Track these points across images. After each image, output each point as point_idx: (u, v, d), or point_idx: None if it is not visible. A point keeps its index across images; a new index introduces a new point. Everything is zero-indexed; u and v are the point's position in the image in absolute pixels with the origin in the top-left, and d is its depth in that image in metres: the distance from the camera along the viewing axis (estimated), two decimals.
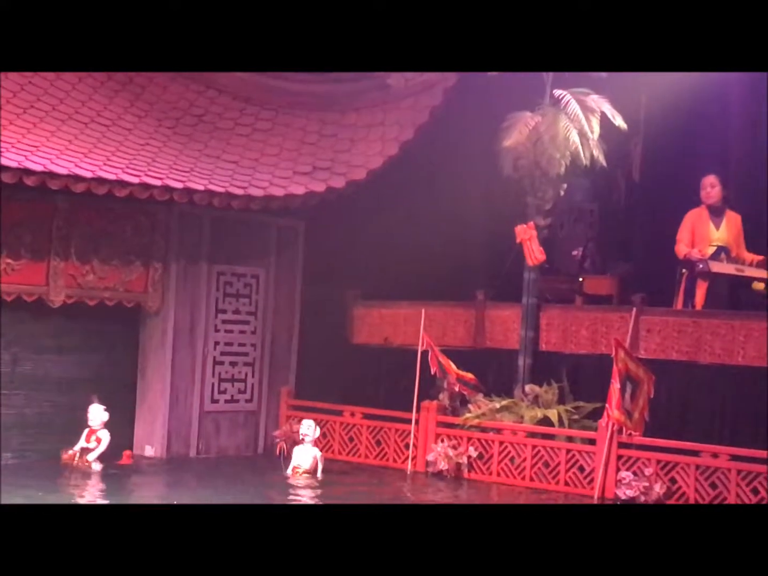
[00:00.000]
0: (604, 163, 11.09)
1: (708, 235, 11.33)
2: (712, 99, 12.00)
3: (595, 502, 9.81)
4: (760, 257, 11.20)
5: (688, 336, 10.56)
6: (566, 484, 10.29)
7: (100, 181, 10.14)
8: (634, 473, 9.76)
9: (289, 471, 10.58)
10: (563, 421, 10.60)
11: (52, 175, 9.81)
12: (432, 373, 11.31)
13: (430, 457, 11.00)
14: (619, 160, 12.62)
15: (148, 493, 9.76)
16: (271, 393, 12.22)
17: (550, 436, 10.57)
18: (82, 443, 10.47)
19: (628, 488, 9.65)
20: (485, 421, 10.96)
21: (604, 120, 10.86)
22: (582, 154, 10.86)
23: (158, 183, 10.52)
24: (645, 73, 8.81)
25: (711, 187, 11.33)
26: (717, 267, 10.97)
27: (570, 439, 10.47)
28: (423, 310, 11.71)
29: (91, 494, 9.38)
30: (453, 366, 11.29)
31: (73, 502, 8.80)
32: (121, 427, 11.21)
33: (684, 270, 11.30)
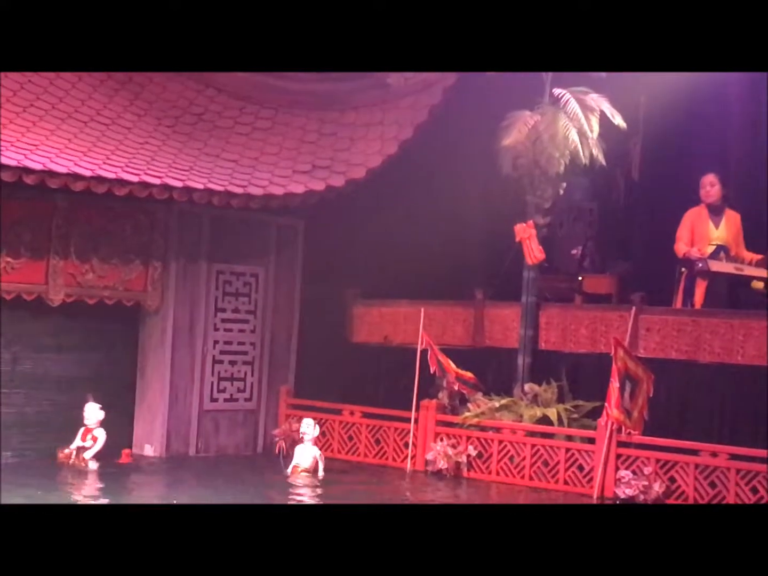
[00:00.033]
0: (604, 162, 11.10)
1: (707, 234, 11.34)
2: (712, 98, 12.00)
3: (595, 501, 9.82)
4: (760, 256, 11.21)
5: (687, 335, 10.56)
6: (565, 483, 10.30)
7: (100, 179, 10.13)
8: (634, 472, 9.77)
9: (288, 470, 10.58)
10: (562, 420, 10.61)
11: (52, 173, 9.81)
12: (431, 372, 11.31)
13: (429, 456, 11.01)
14: (618, 159, 12.61)
15: (147, 492, 9.76)
16: (270, 392, 12.22)
17: (549, 435, 10.58)
18: (78, 442, 10.47)
19: (627, 487, 9.65)
20: (484, 420, 10.97)
21: (604, 119, 10.86)
22: (581, 153, 10.87)
23: (157, 182, 10.52)
24: (644, 73, 8.80)
25: (710, 186, 11.34)
26: (716, 266, 10.97)
27: (569, 438, 10.47)
28: (422, 309, 11.71)
29: (91, 494, 9.38)
30: (452, 365, 11.30)
31: (72, 501, 8.80)
32: (121, 426, 11.23)
33: (683, 269, 11.31)
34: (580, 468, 10.24)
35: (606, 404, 9.89)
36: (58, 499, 8.63)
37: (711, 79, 10.54)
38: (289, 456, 10.86)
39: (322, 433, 11.36)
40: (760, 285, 10.93)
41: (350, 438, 11.83)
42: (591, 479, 10.09)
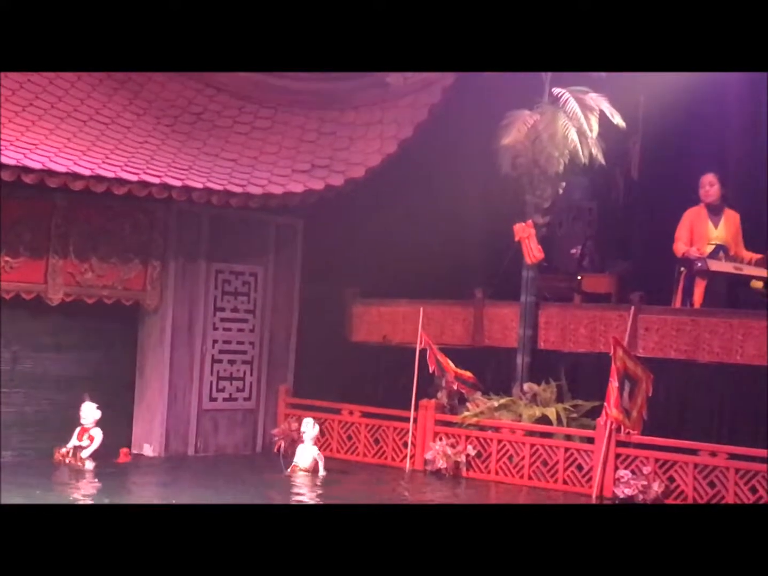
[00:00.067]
0: (603, 162, 11.10)
1: (706, 233, 11.34)
2: (711, 98, 12.00)
3: (594, 500, 9.83)
4: (759, 255, 11.22)
5: (686, 334, 10.57)
6: (565, 482, 10.30)
7: (99, 178, 10.13)
8: (633, 472, 9.77)
9: (288, 469, 10.58)
10: (561, 419, 10.61)
11: (51, 172, 9.81)
12: (430, 371, 11.31)
13: (428, 456, 11.01)
14: (617, 158, 12.62)
15: (146, 491, 9.77)
16: (269, 391, 12.22)
17: (548, 435, 10.58)
18: (74, 441, 10.46)
19: (626, 487, 9.65)
20: (484, 419, 10.96)
21: (603, 118, 10.86)
22: (581, 153, 10.87)
23: (157, 181, 10.51)
24: (644, 73, 8.80)
25: (710, 186, 11.34)
26: (715, 265, 10.97)
27: (568, 437, 10.47)
28: (421, 309, 11.71)
29: (91, 493, 9.37)
30: (451, 364, 11.30)
31: (71, 501, 8.79)
32: (120, 425, 11.23)
33: (682, 268, 11.31)
34: (579, 467, 10.24)
35: (605, 404, 9.89)
36: (58, 499, 8.63)
37: (710, 78, 10.54)
38: (288, 455, 10.86)
39: (321, 433, 11.35)
40: (759, 284, 10.93)
41: (349, 437, 11.84)
42: (590, 479, 10.09)
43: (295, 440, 11.18)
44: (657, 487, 9.54)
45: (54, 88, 11.36)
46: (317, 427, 10.88)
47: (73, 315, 10.87)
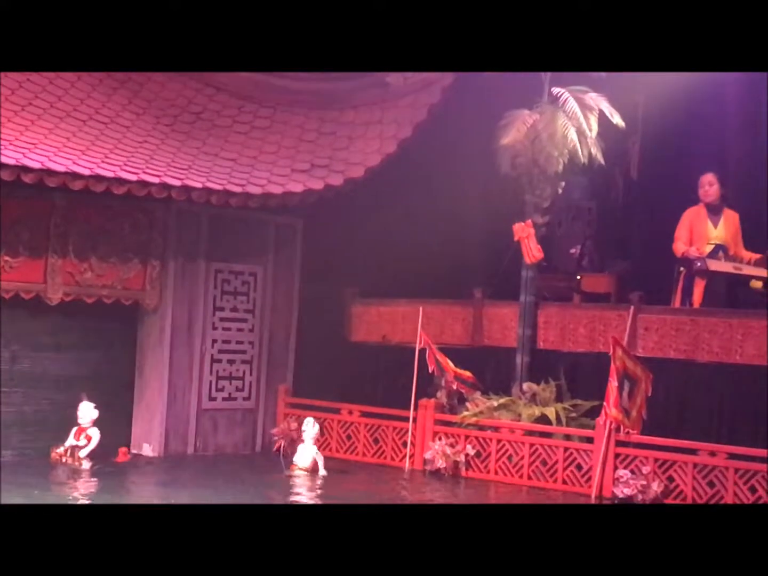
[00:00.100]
0: (602, 161, 11.10)
1: (706, 233, 11.34)
2: (711, 98, 12.00)
3: (593, 500, 9.83)
4: (758, 255, 11.22)
5: (685, 334, 10.57)
6: (564, 482, 10.31)
7: (98, 178, 10.13)
8: (632, 471, 9.77)
9: (287, 469, 10.59)
10: (561, 419, 10.61)
11: (50, 172, 9.81)
12: (430, 371, 11.32)
13: (427, 455, 11.01)
14: (617, 158, 12.63)
15: (146, 491, 9.76)
16: (268, 391, 12.23)
17: (547, 435, 10.58)
18: (71, 441, 10.46)
19: (625, 486, 9.65)
20: (483, 419, 10.97)
21: (602, 118, 10.87)
22: (580, 152, 10.87)
23: (156, 180, 10.51)
24: (643, 73, 8.80)
25: (709, 186, 11.34)
26: (715, 265, 10.97)
27: (568, 437, 10.48)
28: (421, 308, 11.72)
29: (90, 493, 9.36)
30: (451, 364, 11.30)
31: (70, 500, 8.79)
32: (119, 425, 11.24)
33: (682, 268, 11.31)
34: (579, 467, 10.25)
35: (604, 403, 9.89)
36: (57, 499, 8.63)
37: (710, 78, 10.54)
38: (288, 455, 10.86)
39: (321, 432, 11.34)
40: (758, 284, 10.94)
41: (349, 437, 11.84)
42: (589, 478, 10.09)
43: (294, 440, 11.19)
44: (656, 487, 9.54)
45: (53, 88, 11.36)
46: (317, 427, 10.88)
47: (72, 315, 10.88)
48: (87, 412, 10.52)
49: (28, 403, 10.76)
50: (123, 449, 10.86)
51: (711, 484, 9.45)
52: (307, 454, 10.67)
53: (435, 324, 12.13)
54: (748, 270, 11.07)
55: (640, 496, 9.55)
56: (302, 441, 10.80)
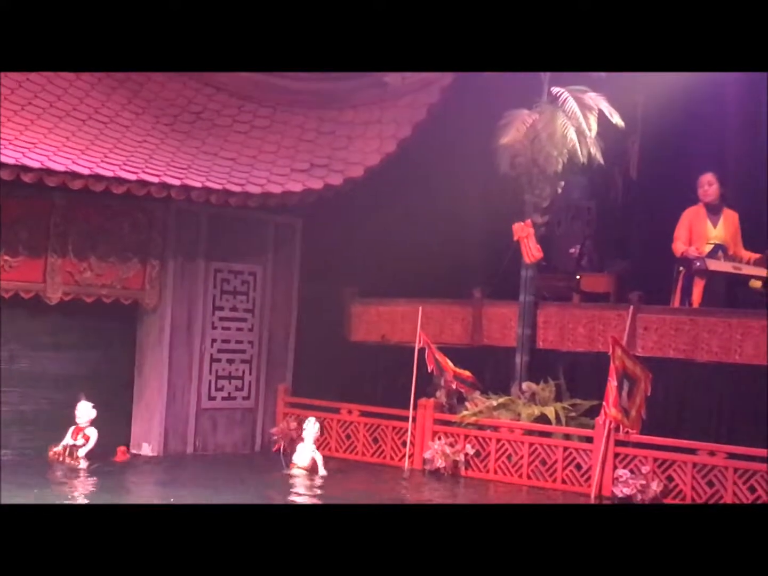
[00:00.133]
0: (602, 161, 11.10)
1: (705, 233, 11.35)
2: (710, 98, 12.00)
3: (593, 500, 9.83)
4: (758, 255, 11.23)
5: (685, 334, 10.57)
6: (563, 481, 10.31)
7: (98, 178, 10.12)
8: (631, 471, 9.77)
9: (288, 468, 10.59)
10: (560, 418, 10.61)
11: (50, 171, 9.81)
12: (429, 370, 11.32)
13: (427, 455, 11.01)
14: (616, 157, 12.64)
15: (145, 491, 9.75)
16: (268, 390, 12.23)
17: (547, 434, 10.58)
18: (68, 440, 10.46)
19: (625, 486, 9.65)
20: (482, 418, 10.97)
21: (602, 118, 10.86)
22: (579, 152, 10.87)
23: (155, 180, 10.51)
24: (643, 73, 8.80)
25: (708, 185, 11.35)
26: (714, 265, 10.98)
27: (567, 436, 10.47)
28: (420, 308, 11.71)
29: (89, 493, 9.36)
30: (450, 363, 11.30)
31: (69, 500, 8.79)
32: (119, 424, 11.24)
33: (681, 268, 11.32)
34: (578, 467, 10.24)
35: (604, 403, 9.89)
36: (56, 499, 8.63)
37: (709, 78, 10.54)
38: (288, 454, 10.87)
39: (320, 432, 11.34)
40: (758, 284, 10.94)
41: (348, 437, 11.84)
42: (589, 478, 10.10)
43: (293, 439, 11.20)
44: (656, 487, 9.54)
45: (53, 87, 11.36)
46: (318, 426, 10.87)
47: (71, 314, 10.87)
48: (85, 411, 10.52)
49: (27, 403, 10.76)
50: (121, 448, 10.86)
51: (710, 484, 9.45)
52: (306, 453, 10.67)
53: (434, 323, 12.13)
54: (747, 270, 11.07)
55: (639, 496, 9.56)
56: (302, 440, 10.80)
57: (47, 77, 11.38)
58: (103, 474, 9.95)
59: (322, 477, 10.46)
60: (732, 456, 9.37)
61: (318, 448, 10.88)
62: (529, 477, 10.52)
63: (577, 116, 10.74)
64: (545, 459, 10.46)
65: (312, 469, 10.58)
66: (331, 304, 12.92)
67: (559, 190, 11.40)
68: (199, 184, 10.80)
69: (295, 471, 10.53)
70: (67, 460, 10.27)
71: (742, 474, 9.27)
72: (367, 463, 11.46)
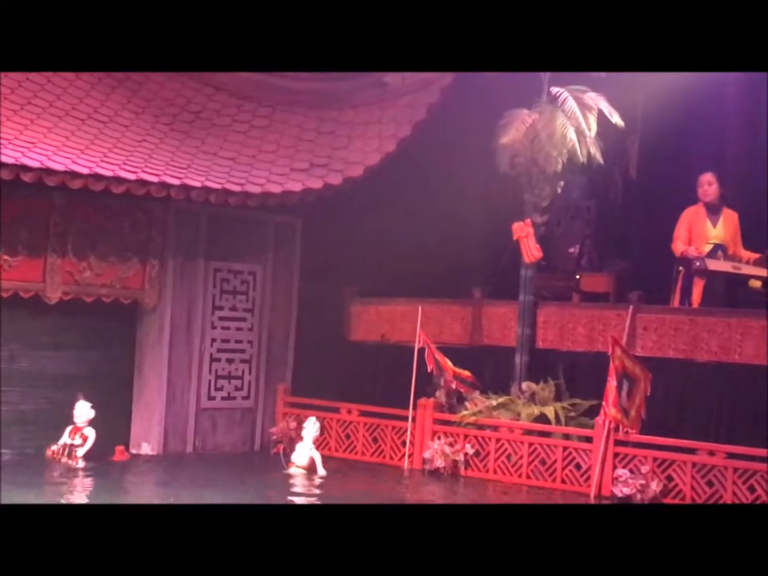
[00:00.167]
0: (601, 161, 11.10)
1: (705, 232, 11.35)
2: (710, 98, 12.00)
3: (592, 499, 9.83)
4: (757, 255, 11.22)
5: (684, 334, 10.57)
6: (563, 481, 10.31)
7: (97, 177, 10.12)
8: (631, 471, 9.77)
9: (287, 466, 10.60)
10: (560, 418, 10.61)
11: (49, 171, 9.81)
12: (429, 370, 11.31)
13: (426, 455, 11.01)
14: (616, 157, 12.65)
15: (145, 490, 9.74)
16: (267, 390, 12.22)
17: (546, 434, 10.58)
18: (65, 439, 10.45)
19: (624, 486, 9.66)
20: (482, 418, 10.96)
21: (602, 117, 10.86)
22: (579, 152, 10.87)
23: (155, 179, 10.51)
24: (643, 73, 8.80)
25: (708, 185, 11.34)
26: (714, 265, 10.98)
27: (567, 436, 10.47)
28: (420, 308, 11.72)
29: (89, 492, 9.36)
30: (450, 363, 11.30)
31: (68, 500, 8.79)
32: (118, 423, 11.23)
33: (681, 268, 11.31)
34: (578, 467, 10.24)
35: (603, 403, 9.90)
36: (55, 499, 8.63)
37: (709, 78, 10.54)
38: (288, 453, 10.87)
39: (320, 432, 11.33)
40: (757, 284, 10.94)
41: (348, 436, 11.83)
42: (588, 478, 10.10)
43: (293, 439, 11.20)
44: (655, 486, 9.55)
45: (52, 87, 11.36)
46: (317, 425, 10.86)
47: (71, 314, 10.87)
48: (83, 411, 10.51)
49: (26, 402, 10.76)
50: (120, 448, 10.85)
51: (710, 484, 9.46)
52: (304, 452, 10.67)
53: (434, 323, 12.13)
54: (747, 269, 11.07)
55: (639, 496, 9.56)
56: (301, 439, 10.80)
57: (47, 77, 11.37)
58: (102, 474, 9.96)
59: (321, 476, 10.46)
60: (731, 456, 9.37)
61: (318, 448, 10.89)
62: (528, 477, 10.52)
63: (576, 116, 10.74)
64: (545, 459, 10.45)
65: (310, 469, 10.58)
66: (330, 304, 12.92)
67: (559, 190, 11.40)
68: (198, 184, 10.80)
69: (293, 470, 10.54)
70: (65, 459, 10.27)
71: (742, 474, 9.28)
72: (366, 463, 11.46)
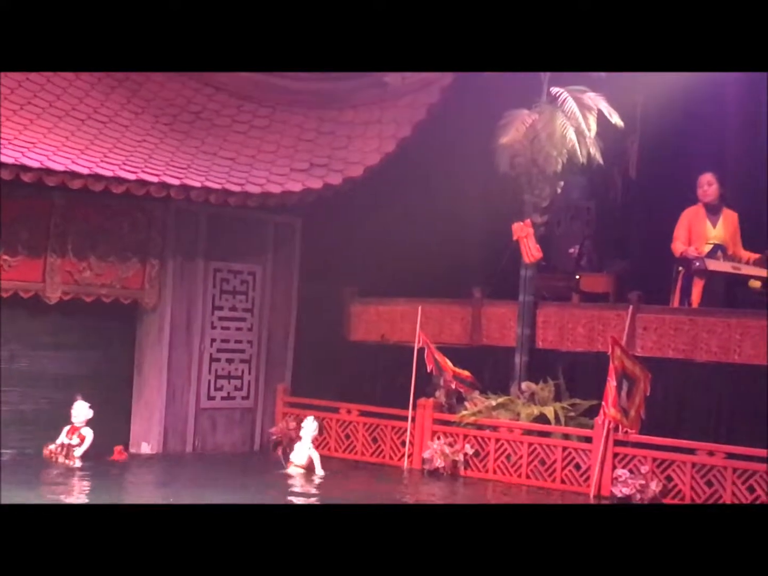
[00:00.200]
0: (601, 161, 11.10)
1: (705, 233, 11.35)
2: (709, 98, 12.00)
3: (592, 499, 9.83)
4: (757, 255, 11.22)
5: (684, 334, 10.57)
6: (562, 481, 10.31)
7: (97, 177, 10.13)
8: (631, 471, 9.77)
9: (287, 466, 10.61)
10: (559, 418, 10.61)
11: (49, 171, 9.81)
12: (428, 370, 11.32)
13: (426, 455, 11.01)
14: (615, 157, 12.64)
15: (144, 490, 9.74)
16: (267, 390, 12.23)
17: (546, 434, 10.58)
18: (63, 439, 10.45)
19: (624, 486, 9.66)
20: (481, 418, 10.97)
21: (601, 117, 10.87)
22: (579, 152, 10.87)
23: (155, 180, 10.52)
24: (642, 73, 8.80)
25: (708, 185, 11.34)
26: (713, 265, 10.98)
27: (566, 436, 10.48)
28: (420, 308, 11.72)
29: (88, 492, 9.36)
30: (449, 363, 11.30)
31: (67, 500, 8.79)
32: (118, 423, 11.23)
33: (681, 268, 11.31)
34: (577, 467, 10.25)
35: (603, 403, 9.90)
36: (55, 499, 8.63)
37: (709, 78, 10.54)
38: (287, 453, 10.88)
39: (319, 432, 11.34)
40: (757, 284, 10.94)
41: (347, 436, 11.83)
42: (588, 478, 10.10)
43: (293, 439, 11.20)
44: (655, 487, 9.55)
45: (52, 87, 11.36)
46: (316, 425, 10.88)
47: (71, 314, 10.88)
48: (81, 411, 10.52)
49: (26, 402, 10.76)
50: (118, 447, 10.84)
51: (709, 484, 9.46)
52: (303, 451, 10.68)
53: (434, 323, 12.13)
54: (746, 270, 11.07)
55: (638, 496, 9.56)
56: (300, 439, 10.81)
57: (46, 77, 11.38)
58: (102, 473, 9.96)
59: (319, 476, 10.46)
60: (731, 456, 9.37)
61: (317, 448, 10.90)
62: (528, 477, 10.52)
63: (576, 116, 10.75)
64: (544, 459, 10.46)
65: (309, 468, 10.58)
66: (330, 304, 12.92)
67: (559, 190, 11.40)
68: (198, 184, 10.81)
69: (291, 469, 10.55)
70: (62, 459, 10.27)
71: (741, 474, 9.28)
72: (366, 463, 11.47)
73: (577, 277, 12.28)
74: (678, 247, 11.31)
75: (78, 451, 10.33)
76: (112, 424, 10.91)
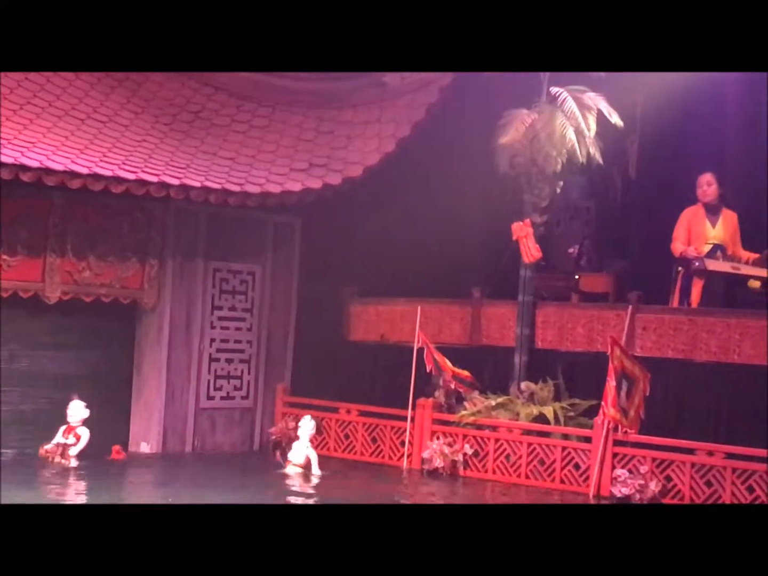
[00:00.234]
0: (601, 161, 11.10)
1: (704, 233, 11.35)
2: (709, 98, 12.00)
3: (591, 499, 9.84)
4: (756, 255, 11.22)
5: (683, 334, 10.57)
6: (562, 481, 10.31)
7: (97, 177, 10.13)
8: (630, 471, 9.78)
9: (286, 466, 10.62)
10: (559, 418, 10.61)
11: (49, 171, 9.81)
12: (428, 370, 11.32)
13: (425, 455, 11.01)
14: (615, 157, 12.64)
15: (143, 490, 9.75)
16: (266, 390, 12.23)
17: (545, 434, 10.58)
18: (59, 439, 10.45)
19: (623, 486, 9.66)
20: (481, 418, 10.97)
21: (601, 117, 10.86)
22: (578, 152, 10.87)
23: (155, 179, 10.51)
24: (642, 73, 8.80)
25: (707, 186, 11.34)
26: (713, 265, 10.98)
27: (566, 436, 10.48)
28: (419, 308, 11.72)
29: (87, 492, 9.36)
30: (449, 363, 11.30)
31: (67, 500, 8.80)
32: (117, 423, 11.23)
33: (680, 268, 11.31)
34: (577, 467, 10.25)
35: (602, 403, 9.90)
36: (55, 498, 8.64)
37: (709, 78, 10.55)
38: (286, 453, 10.88)
39: (318, 432, 11.35)
40: (756, 284, 10.94)
41: (347, 436, 11.83)
42: (587, 478, 10.10)
43: (292, 438, 11.20)
44: (654, 487, 9.55)
45: (51, 87, 11.36)
46: (313, 423, 10.88)
47: (70, 313, 10.88)
48: (77, 410, 10.51)
49: (26, 402, 10.76)
50: (116, 447, 10.84)
51: (709, 484, 9.46)
52: (301, 450, 10.68)
53: (433, 323, 12.13)
54: (746, 270, 11.07)
55: (637, 496, 9.56)
56: (298, 438, 10.82)
57: (46, 76, 11.37)
58: (101, 473, 9.96)
59: (316, 476, 10.45)
60: (730, 456, 9.38)
61: (316, 448, 10.91)
62: (527, 477, 10.52)
63: (576, 116, 10.75)
64: (544, 459, 10.46)
65: (307, 467, 10.59)
66: (330, 304, 12.91)
67: (558, 190, 11.40)
68: (198, 184, 10.80)
69: (289, 469, 10.55)
70: (58, 459, 10.26)
71: (741, 474, 9.28)
72: (365, 463, 11.47)
73: (577, 277, 12.28)
74: (677, 247, 11.31)
75: (74, 451, 10.33)
76: (111, 424, 10.92)
